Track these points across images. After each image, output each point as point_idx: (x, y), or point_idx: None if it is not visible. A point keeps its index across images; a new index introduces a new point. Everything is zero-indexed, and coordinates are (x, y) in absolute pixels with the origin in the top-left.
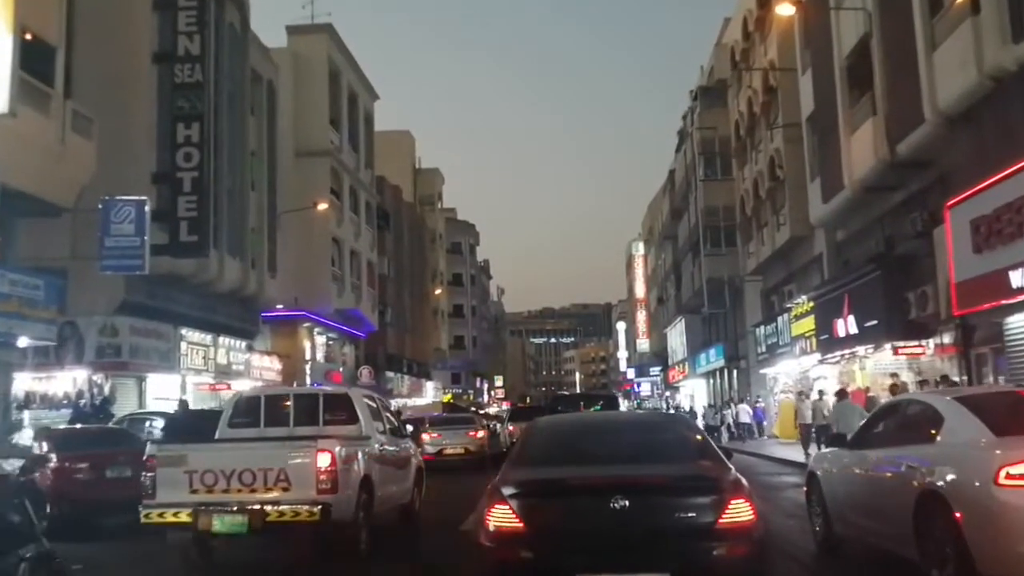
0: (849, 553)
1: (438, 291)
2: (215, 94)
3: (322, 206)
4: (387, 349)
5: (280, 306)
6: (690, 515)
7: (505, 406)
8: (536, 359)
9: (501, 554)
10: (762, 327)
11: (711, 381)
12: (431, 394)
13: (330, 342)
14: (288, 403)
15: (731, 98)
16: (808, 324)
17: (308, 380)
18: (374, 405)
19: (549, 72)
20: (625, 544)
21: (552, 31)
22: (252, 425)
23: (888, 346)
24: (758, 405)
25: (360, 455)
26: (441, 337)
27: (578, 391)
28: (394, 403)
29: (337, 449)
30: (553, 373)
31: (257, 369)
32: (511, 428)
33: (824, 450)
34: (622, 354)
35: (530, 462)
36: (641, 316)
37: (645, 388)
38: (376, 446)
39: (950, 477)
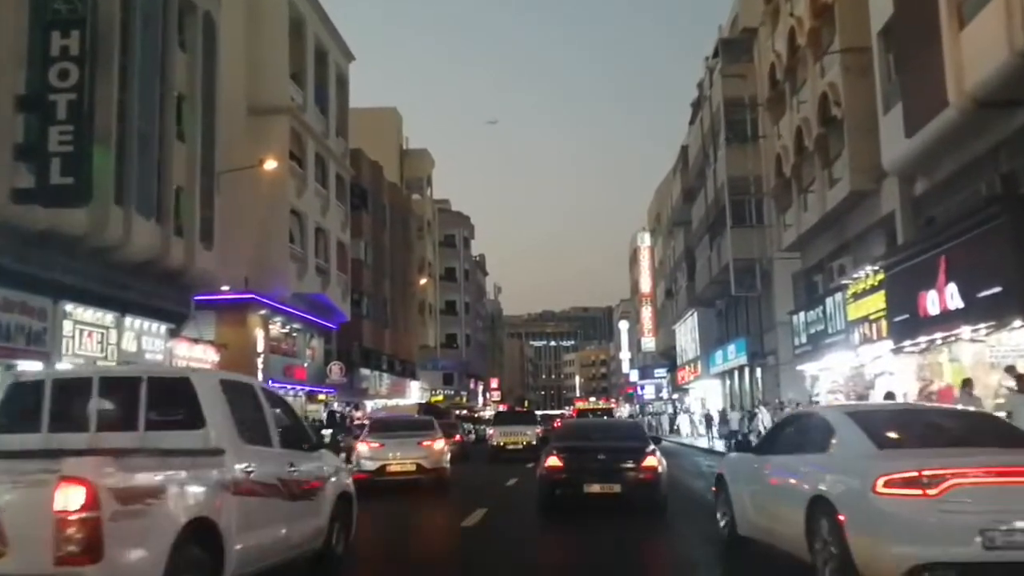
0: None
1: (423, 281)
2: (120, 7)
3: (270, 164)
4: (363, 344)
5: (226, 287)
6: (630, 461)
7: (502, 408)
8: (535, 362)
9: (552, 476)
10: (802, 314)
11: (727, 382)
12: (416, 395)
13: (294, 333)
14: (91, 395)
15: (763, 41)
16: (874, 303)
17: (260, 376)
18: (247, 398)
19: (550, 72)
20: (604, 472)
21: (553, 32)
22: (27, 429)
23: (1019, 323)
24: None
25: (190, 485)
26: (429, 334)
27: (595, 402)
28: (370, 404)
29: (104, 479)
30: (553, 376)
31: (182, 360)
32: (491, 432)
33: (732, 454)
34: (624, 355)
35: (564, 438)
36: (646, 313)
37: (649, 391)
38: (239, 466)
39: (837, 484)
